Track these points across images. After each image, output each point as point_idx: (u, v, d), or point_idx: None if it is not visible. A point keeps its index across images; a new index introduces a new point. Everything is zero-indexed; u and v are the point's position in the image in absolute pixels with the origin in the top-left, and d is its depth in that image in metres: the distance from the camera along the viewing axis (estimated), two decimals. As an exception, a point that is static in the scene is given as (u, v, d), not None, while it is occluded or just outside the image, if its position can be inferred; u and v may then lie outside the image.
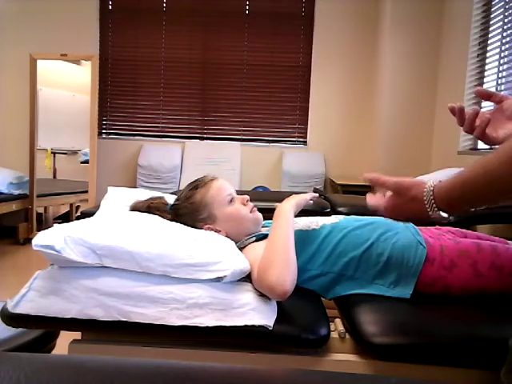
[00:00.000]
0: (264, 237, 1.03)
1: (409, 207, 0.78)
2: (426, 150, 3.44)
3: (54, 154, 3.89)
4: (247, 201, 1.13)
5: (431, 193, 0.74)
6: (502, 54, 2.71)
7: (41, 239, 0.82)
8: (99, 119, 3.87)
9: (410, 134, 3.48)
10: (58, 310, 0.84)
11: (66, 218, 3.98)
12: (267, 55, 4.06)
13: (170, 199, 1.21)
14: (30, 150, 3.60)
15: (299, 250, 1.02)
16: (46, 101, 3.71)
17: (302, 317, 0.90)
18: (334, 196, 2.71)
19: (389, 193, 0.83)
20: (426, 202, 0.74)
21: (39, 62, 3.61)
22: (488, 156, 0.67)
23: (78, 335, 0.94)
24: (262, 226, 1.15)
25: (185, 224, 1.03)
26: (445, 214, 0.74)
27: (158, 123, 4.16)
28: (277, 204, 1.11)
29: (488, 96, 0.88)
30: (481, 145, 2.82)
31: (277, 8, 4.01)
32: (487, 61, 2.86)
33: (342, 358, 0.89)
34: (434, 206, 0.74)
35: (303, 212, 1.12)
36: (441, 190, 0.73)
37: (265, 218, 1.16)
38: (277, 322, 0.85)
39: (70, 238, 0.84)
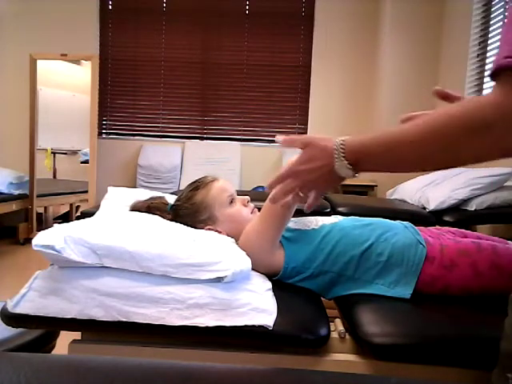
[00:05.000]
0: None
1: (316, 158, 0.75)
2: (426, 150, 3.44)
3: (54, 154, 3.89)
4: (248, 202, 1.13)
5: (341, 142, 0.72)
6: (502, 54, 2.71)
7: (41, 239, 0.82)
8: (99, 119, 3.86)
9: (410, 134, 3.47)
10: (57, 310, 0.84)
11: (65, 218, 3.98)
12: (267, 55, 4.06)
13: (170, 199, 1.21)
14: (30, 150, 3.60)
15: (298, 249, 1.03)
16: (46, 101, 3.71)
17: (302, 317, 0.90)
18: (334, 196, 2.71)
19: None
20: (335, 152, 0.72)
21: (39, 62, 3.60)
22: (410, 125, 0.67)
23: (78, 335, 0.94)
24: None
25: (185, 225, 1.03)
26: (348, 170, 0.73)
27: (158, 123, 4.16)
28: None
29: (445, 96, 0.88)
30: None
31: (277, 8, 4.01)
32: (487, 61, 2.86)
33: (342, 358, 0.89)
34: (343, 155, 0.72)
35: (303, 212, 1.12)
36: (354, 142, 0.72)
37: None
38: (277, 322, 0.85)
39: (70, 237, 0.84)
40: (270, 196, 0.84)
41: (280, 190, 0.81)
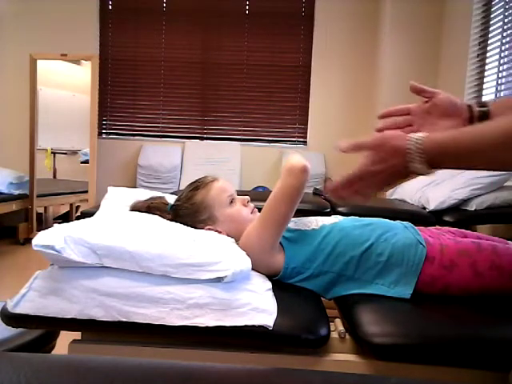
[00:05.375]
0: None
1: (388, 159, 0.73)
2: (426, 150, 3.44)
3: (54, 154, 3.89)
4: (248, 201, 1.13)
5: (420, 142, 0.70)
6: (502, 54, 2.72)
7: (41, 239, 0.82)
8: (99, 119, 3.86)
9: (410, 134, 3.47)
10: (57, 310, 0.84)
11: (65, 218, 3.98)
12: (267, 55, 4.06)
13: (170, 199, 1.21)
14: (30, 150, 3.60)
15: (298, 249, 1.03)
16: (46, 101, 3.71)
17: (302, 317, 0.90)
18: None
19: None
20: (409, 152, 0.70)
21: (39, 62, 3.60)
22: (491, 124, 0.66)
23: (78, 335, 0.94)
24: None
25: (185, 225, 1.03)
26: (425, 170, 0.71)
27: (158, 123, 4.16)
28: None
29: (420, 91, 0.87)
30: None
31: (277, 8, 4.01)
32: (487, 61, 2.86)
33: (342, 358, 0.89)
34: (421, 155, 0.70)
35: (303, 212, 1.12)
36: (434, 139, 0.70)
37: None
38: (277, 322, 0.85)
39: (70, 237, 0.84)
40: (333, 195, 0.81)
41: (349, 191, 0.80)
